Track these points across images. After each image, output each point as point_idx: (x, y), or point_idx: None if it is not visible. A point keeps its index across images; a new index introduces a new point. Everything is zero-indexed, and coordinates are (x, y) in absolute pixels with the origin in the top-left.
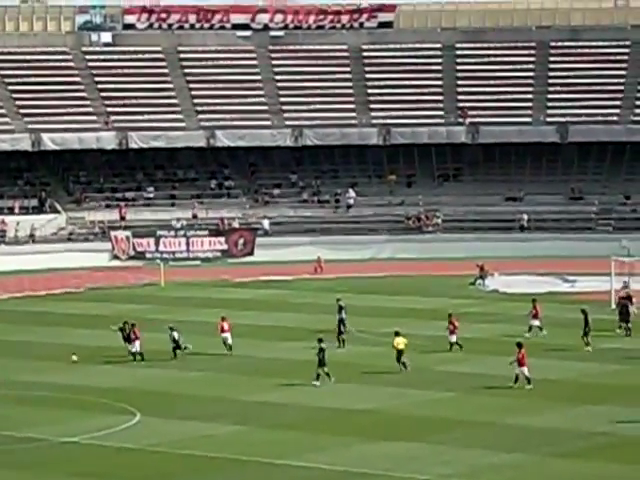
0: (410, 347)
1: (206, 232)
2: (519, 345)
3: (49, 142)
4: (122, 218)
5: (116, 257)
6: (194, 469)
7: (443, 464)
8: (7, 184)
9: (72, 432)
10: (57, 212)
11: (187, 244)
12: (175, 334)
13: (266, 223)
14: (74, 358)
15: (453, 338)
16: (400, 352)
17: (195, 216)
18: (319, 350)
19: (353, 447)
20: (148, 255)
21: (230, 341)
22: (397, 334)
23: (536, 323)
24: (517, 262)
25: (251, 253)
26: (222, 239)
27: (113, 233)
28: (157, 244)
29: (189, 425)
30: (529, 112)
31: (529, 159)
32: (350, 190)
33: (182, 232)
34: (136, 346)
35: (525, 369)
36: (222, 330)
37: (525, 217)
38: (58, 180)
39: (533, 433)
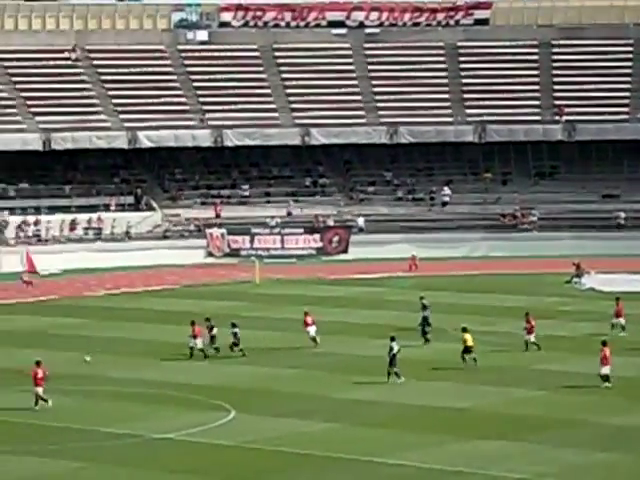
0: (504, 345)
1: (301, 230)
2: (603, 343)
3: (145, 140)
4: (217, 215)
5: (211, 254)
6: (288, 466)
7: (537, 463)
8: (103, 181)
9: (167, 429)
10: (153, 209)
11: (282, 241)
12: (237, 330)
13: (361, 221)
14: (87, 359)
15: (531, 338)
16: (467, 348)
17: (290, 214)
18: (390, 349)
19: (446, 445)
20: (243, 252)
21: (313, 334)
22: (464, 330)
23: (620, 321)
24: (614, 260)
25: (345, 251)
26: (317, 236)
27: (208, 230)
28: (252, 241)
29: (283, 422)
30: (626, 109)
31: (626, 156)
32: (445, 188)
33: (277, 230)
34: (198, 343)
35: (607, 368)
36: (306, 324)
37: (622, 215)
38: (154, 177)
39: (626, 432)
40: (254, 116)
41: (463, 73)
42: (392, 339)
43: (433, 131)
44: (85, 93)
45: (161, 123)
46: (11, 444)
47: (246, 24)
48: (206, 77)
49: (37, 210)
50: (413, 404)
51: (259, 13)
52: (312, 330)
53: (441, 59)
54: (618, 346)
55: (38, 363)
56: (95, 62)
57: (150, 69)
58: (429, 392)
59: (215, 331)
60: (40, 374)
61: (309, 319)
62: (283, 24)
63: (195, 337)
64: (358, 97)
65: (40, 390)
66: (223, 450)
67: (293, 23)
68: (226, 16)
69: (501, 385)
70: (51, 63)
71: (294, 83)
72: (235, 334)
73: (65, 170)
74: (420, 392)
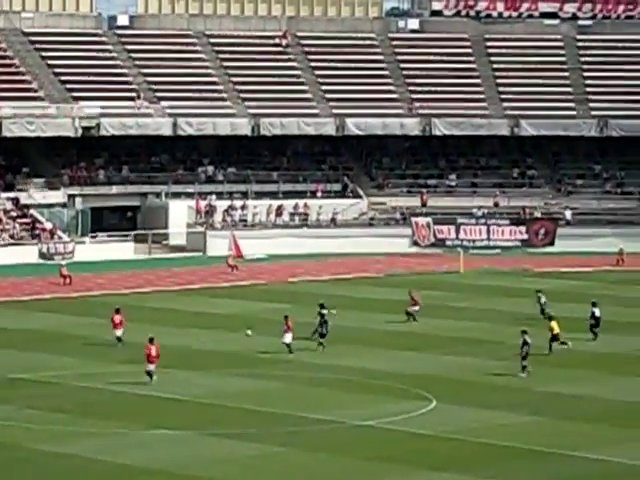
0: None
1: (507, 221)
2: None
3: (353, 127)
4: (423, 204)
5: (416, 243)
6: (489, 457)
7: None
8: (311, 168)
9: (368, 416)
10: (359, 197)
11: (487, 232)
12: (325, 312)
13: (568, 213)
14: (248, 332)
15: None
16: (554, 336)
17: (496, 204)
18: (523, 343)
19: None
20: (448, 242)
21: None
22: (551, 318)
23: None
24: None
25: (552, 243)
26: (523, 228)
27: (414, 219)
28: (457, 231)
29: (484, 413)
30: None
31: None
32: None
33: (483, 220)
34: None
35: None
36: (287, 329)
37: None
38: (361, 165)
39: None
40: (463, 106)
41: None
42: (524, 332)
43: None
44: (295, 79)
45: (369, 111)
46: (213, 427)
47: (458, 13)
48: (416, 66)
49: (244, 195)
50: (614, 399)
51: (471, 2)
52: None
53: None
54: None
55: (151, 340)
56: (305, 49)
57: (360, 57)
58: (630, 388)
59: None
60: (154, 352)
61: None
62: (495, 14)
63: (287, 331)
64: (569, 89)
65: (152, 367)
66: (422, 439)
67: (505, 13)
68: (438, 5)
69: None
70: (262, 49)
71: (504, 74)
72: (324, 323)
73: (273, 156)
74: (621, 387)
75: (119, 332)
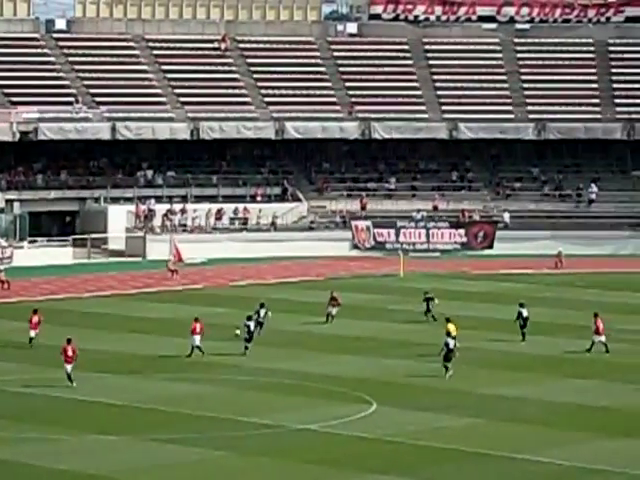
0: None
1: (446, 224)
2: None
3: (292, 131)
4: (363, 208)
5: (356, 247)
6: (429, 460)
7: None
8: (250, 172)
9: (309, 420)
10: (299, 200)
11: (427, 235)
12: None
13: (507, 216)
14: (237, 332)
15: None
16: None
17: (436, 208)
18: (446, 344)
19: (591, 443)
20: (388, 245)
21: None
22: (448, 320)
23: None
24: None
25: (491, 246)
26: (462, 231)
27: (354, 223)
28: (397, 235)
29: (424, 416)
30: None
31: None
32: (592, 185)
33: (422, 223)
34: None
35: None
36: (193, 332)
37: None
38: (300, 169)
39: None
40: (402, 109)
41: (613, 70)
42: (447, 334)
43: (581, 128)
44: (234, 83)
45: (309, 115)
46: (152, 432)
47: (396, 17)
48: (355, 69)
49: (184, 199)
50: (555, 401)
51: (409, 6)
52: (197, 339)
53: (591, 56)
54: None
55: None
56: (244, 53)
57: (299, 60)
58: (577, 390)
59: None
60: (198, 328)
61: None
62: (433, 18)
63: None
64: (507, 92)
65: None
66: (363, 442)
67: (443, 17)
68: (376, 9)
69: None
70: (201, 53)
71: (443, 77)
72: (248, 327)
73: (212, 160)
74: (562, 389)
75: (33, 333)
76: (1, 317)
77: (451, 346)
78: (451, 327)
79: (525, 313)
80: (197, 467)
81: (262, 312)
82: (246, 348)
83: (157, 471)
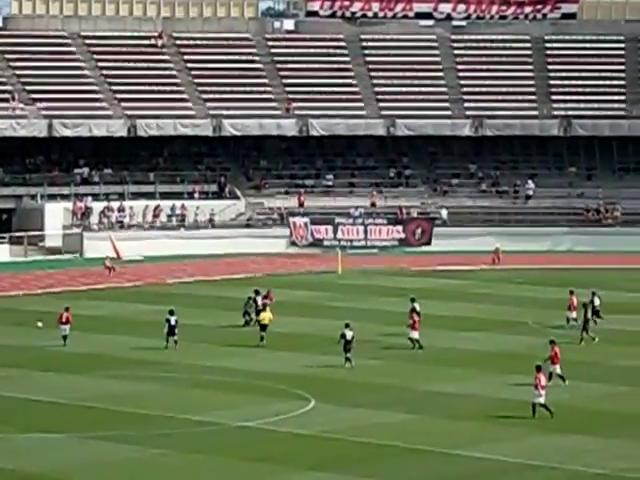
0: (585, 340)
1: (384, 220)
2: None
3: (230, 128)
4: (301, 205)
5: (294, 244)
6: (367, 456)
7: (617, 458)
8: (188, 169)
9: (247, 417)
10: (236, 198)
11: (365, 232)
12: (172, 318)
13: (444, 213)
14: (39, 324)
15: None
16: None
17: (373, 204)
18: (342, 335)
19: (527, 439)
20: (326, 242)
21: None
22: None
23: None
24: None
25: (429, 242)
26: (400, 228)
27: (292, 219)
28: (335, 231)
29: (363, 412)
30: None
31: None
32: (529, 181)
33: (360, 220)
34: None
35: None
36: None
37: None
38: (238, 166)
39: None
40: (339, 106)
41: (549, 67)
42: (347, 326)
43: (518, 124)
44: (171, 80)
45: (246, 112)
46: (91, 430)
47: (333, 14)
48: (292, 66)
49: (121, 196)
50: (493, 397)
51: (346, 3)
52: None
53: (528, 52)
54: None
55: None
56: (181, 49)
57: (236, 57)
58: (508, 385)
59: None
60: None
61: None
62: (370, 14)
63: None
64: (444, 89)
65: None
66: (301, 439)
67: (380, 14)
68: (313, 5)
69: (584, 380)
70: (137, 50)
71: (380, 74)
72: (168, 321)
73: (150, 157)
74: (500, 385)
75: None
76: None
77: (348, 337)
78: (266, 315)
79: (418, 307)
80: (135, 465)
81: (259, 300)
82: (174, 342)
83: (96, 469)
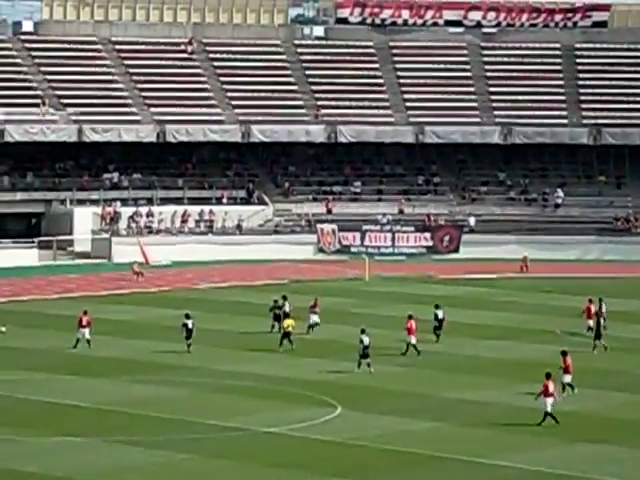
0: (613, 349)
1: (412, 228)
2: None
3: (258, 134)
4: (329, 211)
5: (321, 250)
6: (393, 464)
7: None
8: (216, 174)
9: (273, 423)
10: (264, 204)
11: (392, 239)
12: (189, 322)
13: (472, 220)
14: (2, 329)
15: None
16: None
17: (401, 211)
18: (360, 341)
19: (551, 448)
20: (353, 249)
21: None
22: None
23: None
24: None
25: (456, 250)
26: (428, 235)
27: (319, 226)
28: (363, 238)
29: (389, 420)
30: None
31: None
32: (558, 190)
33: (388, 227)
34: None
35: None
36: (80, 325)
37: None
38: (266, 172)
39: None
40: (368, 113)
41: (580, 75)
42: (362, 331)
43: (548, 132)
44: (200, 86)
45: (275, 118)
46: (116, 434)
47: (363, 21)
48: (321, 73)
49: (149, 201)
50: (517, 405)
51: (376, 10)
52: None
53: (558, 60)
54: None
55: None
56: (211, 55)
57: (265, 64)
58: (533, 394)
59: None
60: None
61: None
62: (400, 22)
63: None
64: (473, 96)
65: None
66: (327, 446)
67: (410, 21)
68: (343, 12)
69: (611, 390)
70: (167, 55)
71: (409, 81)
72: (185, 325)
73: (178, 162)
74: (524, 394)
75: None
76: None
77: (366, 343)
78: (289, 322)
79: (441, 315)
80: (161, 470)
81: (287, 304)
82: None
83: (121, 473)
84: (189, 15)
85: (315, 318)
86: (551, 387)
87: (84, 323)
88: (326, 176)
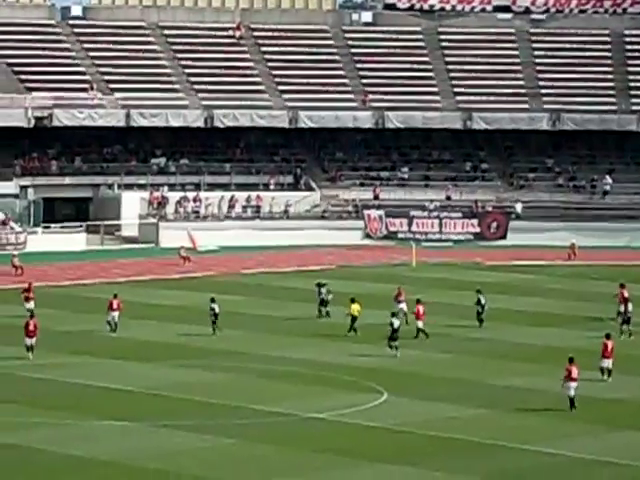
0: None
1: (459, 214)
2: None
3: (306, 119)
4: (376, 197)
5: (368, 236)
6: (437, 450)
7: None
8: (263, 160)
9: (319, 408)
10: (312, 189)
11: (440, 225)
12: (215, 306)
13: (519, 206)
14: None
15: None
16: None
17: (449, 197)
18: (390, 324)
19: (597, 435)
20: (400, 235)
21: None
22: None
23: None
24: None
25: (504, 236)
26: (475, 221)
27: (366, 212)
28: (410, 224)
29: (435, 406)
30: None
31: None
32: (607, 176)
33: (435, 213)
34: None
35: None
36: (111, 308)
37: None
38: (313, 157)
39: None
40: (416, 99)
41: (628, 62)
42: (393, 314)
43: (597, 119)
44: (248, 71)
45: (322, 104)
46: (162, 419)
47: (411, 7)
48: (369, 59)
49: (197, 186)
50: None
51: None
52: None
53: (607, 47)
54: None
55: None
56: (259, 41)
57: (313, 49)
58: (583, 382)
59: None
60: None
61: (115, 303)
62: (448, 7)
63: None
64: (522, 82)
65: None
66: (373, 432)
67: (458, 7)
68: None
69: None
70: (215, 40)
71: (457, 67)
72: (213, 310)
73: (226, 148)
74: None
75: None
76: (14, 303)
77: (396, 326)
78: (355, 307)
79: (483, 300)
80: (207, 454)
81: (324, 290)
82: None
83: (167, 457)
84: (237, 0)
85: (402, 306)
86: (574, 372)
87: (114, 306)
88: (373, 162)
